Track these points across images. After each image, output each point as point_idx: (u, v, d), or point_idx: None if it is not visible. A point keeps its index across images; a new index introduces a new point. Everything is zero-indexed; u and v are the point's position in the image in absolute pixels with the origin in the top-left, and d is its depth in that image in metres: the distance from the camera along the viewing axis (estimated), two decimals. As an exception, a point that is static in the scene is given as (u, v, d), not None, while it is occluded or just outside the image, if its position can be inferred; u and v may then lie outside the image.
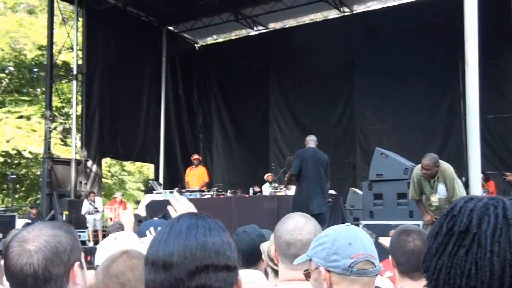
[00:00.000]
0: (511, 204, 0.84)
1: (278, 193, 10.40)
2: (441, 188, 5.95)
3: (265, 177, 12.65)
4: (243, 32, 17.80)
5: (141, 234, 2.92)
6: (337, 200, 10.38)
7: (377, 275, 1.50)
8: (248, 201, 11.54)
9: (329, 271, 1.44)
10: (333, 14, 15.83)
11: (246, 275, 2.56)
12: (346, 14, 15.54)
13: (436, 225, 0.88)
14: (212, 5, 14.90)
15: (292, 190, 10.58)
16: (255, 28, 17.23)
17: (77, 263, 1.38)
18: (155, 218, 3.29)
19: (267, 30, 17.29)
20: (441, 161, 5.97)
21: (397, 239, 2.26)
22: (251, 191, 13.17)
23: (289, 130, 16.05)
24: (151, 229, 2.96)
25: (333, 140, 14.78)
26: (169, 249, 1.03)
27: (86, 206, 12.89)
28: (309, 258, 1.53)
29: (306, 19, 16.49)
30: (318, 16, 16.19)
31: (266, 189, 11.98)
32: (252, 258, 2.61)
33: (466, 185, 7.11)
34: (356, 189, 10.67)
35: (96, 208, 12.92)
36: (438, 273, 0.83)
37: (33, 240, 1.32)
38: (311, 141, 7.92)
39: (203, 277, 1.01)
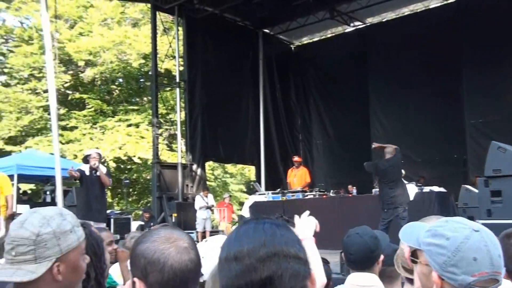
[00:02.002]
0: None
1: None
2: None
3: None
4: (339, 29, 17.54)
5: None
6: (447, 198, 9.86)
7: None
8: (352, 200, 11.34)
9: (442, 279, 1.29)
10: (435, 2, 15.07)
11: (359, 279, 2.46)
12: (450, 1, 14.68)
13: None
14: (307, 4, 14.85)
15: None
16: (351, 24, 16.89)
17: None
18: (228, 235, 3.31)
19: (364, 25, 16.87)
20: None
21: (502, 244, 2.01)
22: (354, 190, 12.92)
23: (392, 127, 15.51)
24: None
25: (441, 135, 14.08)
26: (239, 244, 1.04)
27: (199, 201, 13.40)
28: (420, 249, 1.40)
29: (406, 10, 15.87)
30: (418, 7, 15.51)
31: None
32: (365, 261, 2.51)
33: None
34: (469, 186, 10.06)
35: (208, 203, 13.41)
36: None
37: (182, 239, 1.39)
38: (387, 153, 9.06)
39: (274, 263, 1.01)
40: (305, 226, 2.14)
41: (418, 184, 10.67)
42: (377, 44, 15.85)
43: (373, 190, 11.01)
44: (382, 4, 14.86)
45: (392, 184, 8.58)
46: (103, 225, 7.55)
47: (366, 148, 15.79)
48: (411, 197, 9.92)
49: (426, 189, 10.09)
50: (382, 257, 2.51)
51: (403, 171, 10.78)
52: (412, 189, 10.16)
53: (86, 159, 7.98)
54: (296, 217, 2.10)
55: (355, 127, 16.23)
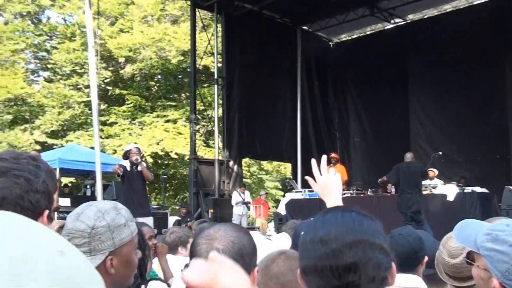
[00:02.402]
0: None
1: (424, 192, 9.91)
2: None
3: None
4: (379, 26, 17.28)
5: (297, 236, 2.89)
6: (490, 200, 9.61)
7: None
8: (391, 200, 11.16)
9: (504, 286, 1.25)
10: (479, -1, 14.70)
11: (403, 280, 2.42)
12: (494, -3, 14.30)
13: None
14: (346, 1, 14.70)
15: (439, 189, 10.06)
16: (392, 21, 16.61)
17: (256, 268, 1.39)
18: (312, 219, 3.22)
19: (405, 22, 16.58)
20: None
21: None
22: (393, 190, 12.72)
23: (432, 126, 15.22)
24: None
25: (482, 134, 13.73)
26: (327, 228, 1.07)
27: (236, 197, 13.52)
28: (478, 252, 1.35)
29: (449, 7, 15.51)
30: (462, 3, 15.13)
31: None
32: (409, 263, 2.47)
33: None
34: (513, 188, 9.78)
35: (244, 199, 13.53)
36: None
37: (221, 239, 1.37)
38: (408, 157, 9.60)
39: (361, 250, 1.02)
40: (331, 189, 1.79)
41: (459, 184, 10.44)
42: (418, 41, 15.53)
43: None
44: (424, 0, 14.55)
45: (411, 188, 8.89)
46: (149, 219, 7.48)
47: (405, 146, 15.55)
48: (452, 198, 9.75)
49: (468, 189, 9.87)
50: (426, 258, 2.47)
51: (440, 153, 10.97)
52: (453, 190, 9.96)
53: (126, 155, 7.92)
54: (316, 172, 1.79)
55: (394, 125, 15.98)
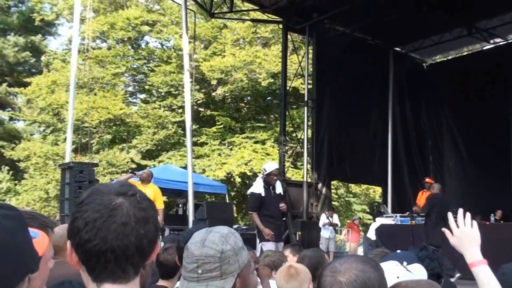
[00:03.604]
0: None
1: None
2: None
3: None
4: (477, 47, 16.59)
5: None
6: None
7: None
8: (490, 229, 10.54)
9: None
10: None
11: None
12: None
13: None
14: (442, 22, 14.26)
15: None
16: (491, 41, 15.87)
17: None
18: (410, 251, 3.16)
19: (505, 42, 15.77)
20: None
21: None
22: (492, 218, 12.05)
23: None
24: (405, 263, 2.85)
25: None
26: None
27: (323, 219, 13.43)
28: None
29: (555, 25, 14.59)
30: None
31: None
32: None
33: None
34: None
35: (331, 221, 13.42)
36: None
37: (344, 272, 1.37)
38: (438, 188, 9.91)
39: None
40: (470, 241, 1.78)
41: None
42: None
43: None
44: (526, 19, 13.81)
45: (442, 218, 8.59)
46: (280, 244, 7.15)
47: (505, 172, 14.67)
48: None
49: None
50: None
51: None
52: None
53: (265, 176, 7.26)
54: (452, 224, 1.78)
55: (493, 149, 15.12)
